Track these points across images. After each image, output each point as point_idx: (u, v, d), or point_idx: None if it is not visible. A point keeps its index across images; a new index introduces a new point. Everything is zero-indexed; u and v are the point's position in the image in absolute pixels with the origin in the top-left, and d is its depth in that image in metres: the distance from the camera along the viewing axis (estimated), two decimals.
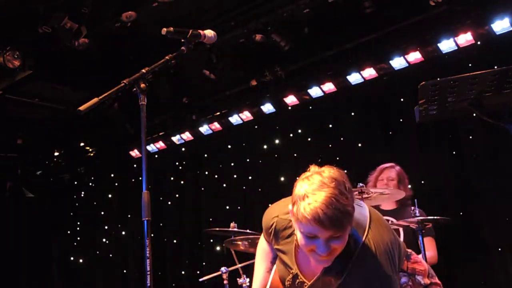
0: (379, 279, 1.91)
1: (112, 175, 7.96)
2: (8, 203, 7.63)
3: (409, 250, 2.25)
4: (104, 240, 7.87)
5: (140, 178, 2.18)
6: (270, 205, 2.37)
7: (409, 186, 4.74)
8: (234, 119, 6.44)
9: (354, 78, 5.60)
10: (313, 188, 1.81)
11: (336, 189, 1.80)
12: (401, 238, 4.23)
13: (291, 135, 6.43)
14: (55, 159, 7.85)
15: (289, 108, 6.17)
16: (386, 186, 4.47)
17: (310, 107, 6.22)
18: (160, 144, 7.17)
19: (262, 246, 2.38)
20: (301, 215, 1.81)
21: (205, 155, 7.14)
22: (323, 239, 1.81)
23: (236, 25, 5.16)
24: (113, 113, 6.50)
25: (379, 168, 4.70)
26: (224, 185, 6.85)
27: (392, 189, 4.39)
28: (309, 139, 6.29)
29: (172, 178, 7.40)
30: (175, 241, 7.23)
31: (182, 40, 2.41)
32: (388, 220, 3.58)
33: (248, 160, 6.61)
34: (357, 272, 1.93)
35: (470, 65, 5.07)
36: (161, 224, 7.27)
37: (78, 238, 8.10)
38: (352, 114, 6.01)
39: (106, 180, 8.00)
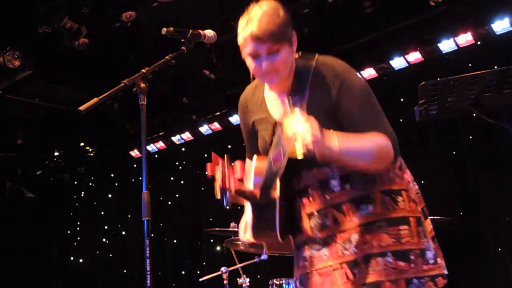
0: (344, 71, 2.10)
1: (112, 175, 7.96)
2: (8, 203, 7.63)
3: None
4: (104, 240, 7.87)
5: (140, 178, 2.17)
6: None
7: None
8: (234, 119, 6.44)
9: None
10: (248, 16, 2.10)
11: (268, 11, 2.07)
12: None
13: None
14: (55, 159, 7.85)
15: None
16: None
17: None
18: (160, 144, 7.17)
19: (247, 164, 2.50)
20: (241, 37, 2.11)
21: (205, 155, 7.14)
22: (264, 54, 2.06)
23: (236, 25, 5.15)
24: (113, 113, 6.50)
25: None
26: None
27: None
28: None
29: (172, 178, 7.40)
30: (175, 241, 7.23)
31: (182, 40, 2.41)
32: None
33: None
34: (318, 80, 2.11)
35: (470, 65, 5.07)
36: (161, 224, 7.27)
37: (78, 238, 8.11)
38: None
39: (106, 180, 8.00)
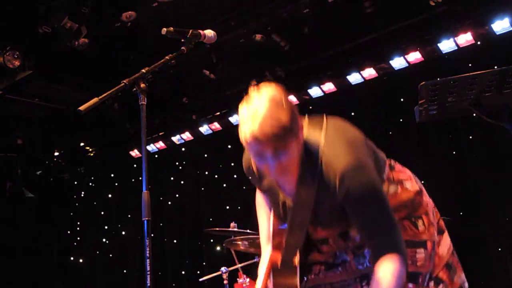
0: (354, 169, 1.93)
1: (112, 175, 7.96)
2: (8, 203, 7.63)
3: (392, 161, 2.25)
4: (104, 240, 7.87)
5: (140, 178, 2.18)
6: None
7: None
8: (234, 119, 6.44)
9: (354, 78, 5.60)
10: (249, 110, 1.89)
11: (271, 106, 1.86)
12: None
13: None
14: (55, 159, 7.85)
15: None
16: None
17: (310, 107, 6.22)
18: (160, 144, 7.17)
19: (258, 198, 2.46)
20: (243, 138, 1.90)
21: (205, 155, 7.14)
22: (270, 156, 1.87)
23: (236, 25, 5.16)
24: (113, 113, 6.50)
25: None
26: (224, 185, 6.85)
27: None
28: None
29: (172, 178, 7.40)
30: (175, 241, 7.23)
31: (182, 40, 2.41)
32: None
33: None
34: (328, 172, 1.95)
35: (470, 65, 5.07)
36: (161, 224, 7.27)
37: (78, 238, 8.10)
38: (352, 114, 6.01)
39: (106, 180, 8.00)
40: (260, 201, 2.45)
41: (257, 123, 1.83)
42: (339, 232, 2.12)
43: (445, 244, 2.22)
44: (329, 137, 2.01)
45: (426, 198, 2.23)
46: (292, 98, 6.03)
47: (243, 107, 1.93)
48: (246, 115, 1.89)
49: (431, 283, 2.11)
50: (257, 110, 1.86)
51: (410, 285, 2.05)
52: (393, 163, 2.23)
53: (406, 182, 2.20)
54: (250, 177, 2.33)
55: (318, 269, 2.21)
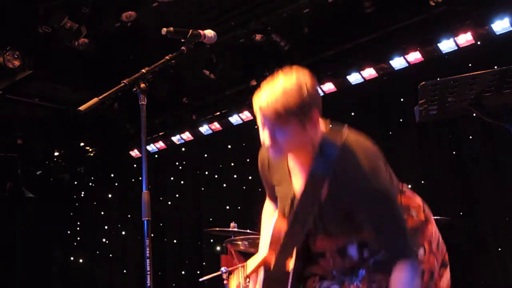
0: (370, 172, 1.94)
1: (112, 175, 7.96)
2: (8, 203, 7.63)
3: (404, 186, 2.25)
4: (104, 240, 7.87)
5: (140, 178, 2.18)
6: None
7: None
8: (234, 119, 6.43)
9: (354, 78, 5.60)
10: (271, 80, 1.98)
11: (291, 85, 1.93)
12: None
13: None
14: (55, 159, 7.85)
15: None
16: None
17: None
18: (160, 144, 7.17)
19: (266, 207, 2.45)
20: (254, 102, 1.99)
21: (205, 155, 7.14)
22: (267, 127, 1.94)
23: (236, 25, 5.16)
24: (113, 113, 6.50)
25: None
26: (224, 185, 6.85)
27: None
28: None
29: (172, 178, 7.40)
30: (175, 241, 7.23)
31: (182, 40, 2.41)
32: None
33: (248, 160, 6.60)
34: (343, 170, 1.96)
35: (470, 65, 5.07)
36: (161, 224, 7.27)
37: (78, 238, 8.10)
38: (352, 114, 6.01)
39: (106, 180, 8.00)
40: (268, 212, 2.42)
41: (268, 92, 1.92)
42: (338, 248, 2.10)
43: (446, 278, 2.19)
44: (349, 140, 2.01)
45: (433, 228, 2.21)
46: None
47: (268, 79, 2.00)
48: (266, 83, 1.97)
49: None
50: (276, 82, 1.94)
51: None
52: (404, 188, 2.23)
53: (412, 210, 2.19)
54: (263, 176, 2.34)
55: (313, 281, 2.19)
